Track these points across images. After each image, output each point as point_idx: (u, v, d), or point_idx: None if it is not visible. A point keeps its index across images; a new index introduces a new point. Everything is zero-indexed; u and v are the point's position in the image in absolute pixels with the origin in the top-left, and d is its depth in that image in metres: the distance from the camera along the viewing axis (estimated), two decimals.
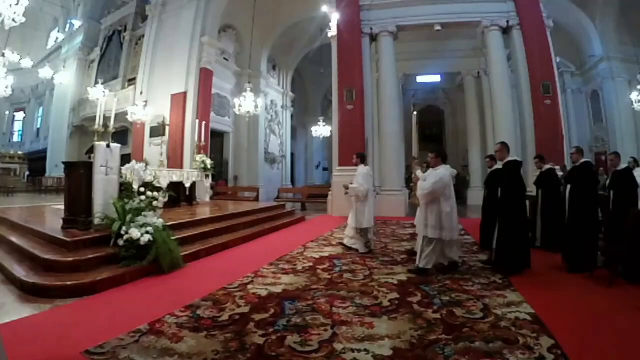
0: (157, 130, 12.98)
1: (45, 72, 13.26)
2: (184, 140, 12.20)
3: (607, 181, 5.27)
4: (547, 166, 5.94)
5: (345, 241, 5.80)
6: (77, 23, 17.95)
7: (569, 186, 4.70)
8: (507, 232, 4.29)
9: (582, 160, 4.66)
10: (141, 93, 13.36)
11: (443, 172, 4.28)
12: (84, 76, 17.15)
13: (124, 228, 4.16)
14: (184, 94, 12.48)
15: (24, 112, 22.35)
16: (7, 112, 21.80)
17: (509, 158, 4.57)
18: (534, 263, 4.48)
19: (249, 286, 3.75)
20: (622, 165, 5.26)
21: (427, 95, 19.15)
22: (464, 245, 6.00)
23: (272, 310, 3.05)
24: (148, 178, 5.36)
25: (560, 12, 12.21)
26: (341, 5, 10.73)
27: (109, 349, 2.35)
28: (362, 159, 5.17)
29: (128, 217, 4.32)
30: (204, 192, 10.03)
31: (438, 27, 10.89)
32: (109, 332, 2.58)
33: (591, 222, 4.37)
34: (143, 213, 4.46)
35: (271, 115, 17.40)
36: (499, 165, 4.89)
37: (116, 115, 5.98)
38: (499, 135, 10.41)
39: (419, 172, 4.80)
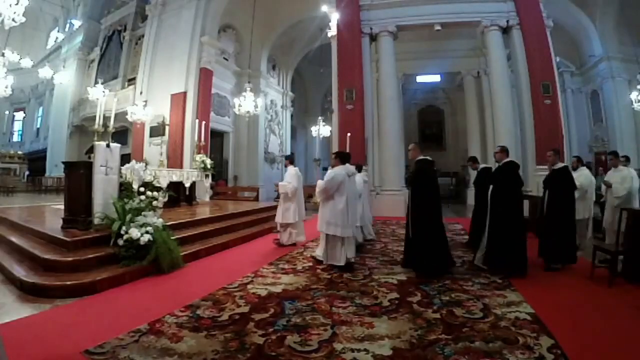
0: (157, 130, 12.98)
1: (45, 72, 13.25)
2: (184, 140, 12.20)
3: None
4: (482, 165, 5.98)
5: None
6: (77, 23, 17.94)
7: (491, 187, 4.61)
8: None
9: (506, 160, 4.55)
10: (141, 93, 13.35)
11: (337, 172, 4.57)
12: (84, 76, 17.14)
13: (124, 228, 4.16)
14: (184, 94, 12.48)
15: (24, 112, 22.33)
16: (7, 112, 21.78)
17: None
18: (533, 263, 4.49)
19: (249, 286, 3.75)
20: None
21: (427, 95, 19.16)
22: (463, 245, 6.02)
23: (272, 310, 3.06)
24: (148, 178, 5.36)
25: (560, 12, 12.21)
26: (341, 5, 10.73)
27: (109, 349, 2.35)
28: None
29: (128, 217, 4.32)
30: (204, 192, 10.03)
31: (438, 27, 10.90)
32: (109, 332, 2.58)
33: (514, 223, 4.26)
34: (143, 213, 4.46)
35: (271, 115, 17.40)
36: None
37: (116, 115, 5.98)
38: (499, 135, 10.41)
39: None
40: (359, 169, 6.53)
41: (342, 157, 4.81)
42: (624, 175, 4.76)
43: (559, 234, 4.39)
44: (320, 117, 12.07)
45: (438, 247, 4.25)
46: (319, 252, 4.90)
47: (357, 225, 5.64)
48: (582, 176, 5.55)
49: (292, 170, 6.04)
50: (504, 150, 4.64)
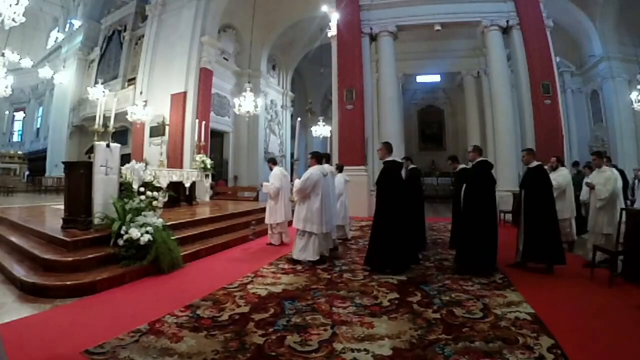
0: (157, 130, 12.98)
1: (45, 72, 13.25)
2: (184, 140, 12.20)
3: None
4: (461, 166, 6.01)
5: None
6: (77, 23, 17.93)
7: (464, 185, 4.65)
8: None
9: (479, 159, 4.56)
10: (141, 93, 13.35)
11: (312, 171, 4.75)
12: (84, 76, 17.14)
13: (124, 228, 4.16)
14: (184, 94, 12.48)
15: (24, 112, 22.32)
16: (7, 112, 21.77)
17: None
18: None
19: (249, 286, 3.75)
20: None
21: (427, 95, 19.14)
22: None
23: (272, 310, 3.06)
24: (148, 178, 5.36)
25: (560, 12, 12.20)
26: (341, 5, 10.73)
27: (109, 349, 2.35)
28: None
29: (128, 217, 4.32)
30: (204, 192, 10.03)
31: (438, 27, 10.89)
32: (109, 332, 2.58)
33: (486, 222, 4.28)
34: (143, 213, 4.46)
35: (271, 115, 17.41)
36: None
37: (116, 115, 5.98)
38: (499, 135, 10.41)
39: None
40: (340, 169, 6.72)
41: (317, 157, 4.99)
42: (607, 176, 4.63)
43: (541, 233, 4.31)
44: (320, 117, 12.09)
45: (398, 247, 4.31)
46: (294, 252, 4.93)
47: (339, 224, 5.91)
48: (561, 176, 5.61)
49: (276, 170, 6.10)
50: (476, 150, 4.68)
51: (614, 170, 5.33)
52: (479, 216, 4.29)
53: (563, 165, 5.89)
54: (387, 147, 4.67)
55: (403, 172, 5.98)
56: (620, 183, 5.44)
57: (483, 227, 4.26)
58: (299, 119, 6.51)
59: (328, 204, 4.88)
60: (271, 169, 6.20)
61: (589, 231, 4.85)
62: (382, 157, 4.69)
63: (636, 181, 7.18)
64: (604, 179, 4.64)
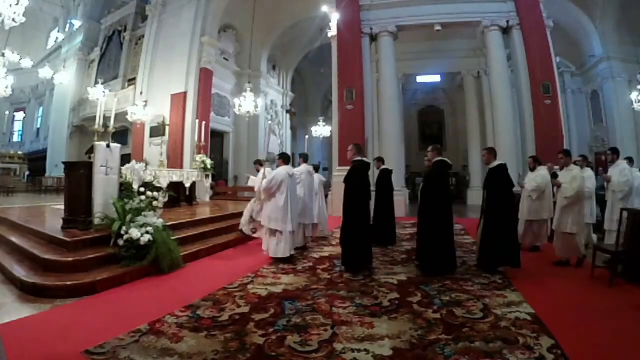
0: (157, 130, 12.98)
1: (45, 72, 13.25)
2: (184, 140, 12.20)
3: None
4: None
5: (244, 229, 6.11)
6: (77, 23, 17.93)
7: (421, 185, 4.71)
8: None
9: (436, 158, 4.56)
10: (141, 93, 13.35)
11: (278, 171, 4.96)
12: (84, 76, 17.14)
13: (124, 228, 4.16)
14: (184, 94, 12.48)
15: (24, 112, 22.32)
16: (7, 112, 21.75)
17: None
18: (529, 263, 4.49)
19: (249, 286, 3.75)
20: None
21: (427, 95, 19.15)
22: (463, 245, 6.02)
23: (272, 310, 3.06)
24: (148, 178, 5.36)
25: (560, 12, 12.20)
26: (341, 5, 10.72)
27: (109, 349, 2.35)
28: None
29: (128, 217, 4.32)
30: (204, 192, 10.03)
31: (438, 27, 10.88)
32: (109, 332, 2.58)
33: (441, 220, 4.28)
34: (143, 213, 4.46)
35: (271, 115, 17.40)
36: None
37: (116, 115, 5.98)
38: (499, 135, 10.41)
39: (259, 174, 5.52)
40: (316, 169, 6.94)
41: (284, 158, 5.23)
42: (574, 174, 4.58)
43: (499, 236, 4.26)
44: (320, 117, 12.10)
45: (362, 244, 4.43)
46: (264, 247, 5.09)
47: (314, 222, 6.11)
48: (539, 176, 5.54)
49: (280, 170, 6.18)
50: (435, 150, 4.68)
51: (587, 169, 5.34)
52: (434, 215, 4.31)
53: (541, 165, 5.84)
54: (357, 148, 4.80)
55: (376, 173, 6.43)
56: (591, 183, 5.49)
57: (438, 226, 4.27)
58: (268, 122, 6.73)
59: (294, 203, 5.03)
60: (258, 171, 6.21)
61: (554, 230, 4.81)
62: (350, 157, 4.77)
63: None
64: (571, 177, 4.58)
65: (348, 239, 4.49)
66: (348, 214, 4.52)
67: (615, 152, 4.99)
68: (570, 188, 4.50)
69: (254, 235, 6.02)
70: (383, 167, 6.50)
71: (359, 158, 4.67)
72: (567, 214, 4.57)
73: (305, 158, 6.26)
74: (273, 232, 4.87)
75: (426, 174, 4.64)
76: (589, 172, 5.49)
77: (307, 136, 14.35)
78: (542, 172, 5.65)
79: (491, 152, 4.65)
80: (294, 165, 5.83)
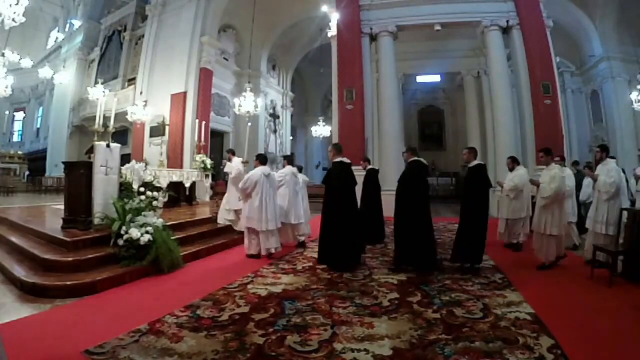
0: (157, 130, 12.98)
1: (45, 72, 13.25)
2: (184, 140, 12.20)
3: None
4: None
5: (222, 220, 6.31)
6: (77, 23, 17.93)
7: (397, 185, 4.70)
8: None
9: (412, 159, 4.60)
10: (141, 93, 13.35)
11: (253, 172, 5.09)
12: (84, 76, 17.14)
13: (124, 228, 4.16)
14: (184, 94, 12.48)
15: (24, 112, 22.32)
16: (7, 112, 21.74)
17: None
18: (528, 264, 4.49)
19: (249, 286, 3.75)
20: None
21: (427, 95, 19.15)
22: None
23: (272, 310, 3.06)
24: (148, 178, 5.36)
25: (560, 12, 12.20)
26: (341, 5, 10.72)
27: (109, 349, 2.35)
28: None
29: (128, 217, 4.32)
30: (204, 192, 10.02)
31: (438, 27, 10.88)
32: (109, 332, 2.58)
33: (418, 220, 4.32)
34: (143, 213, 4.46)
35: (271, 115, 17.40)
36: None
37: (116, 115, 5.98)
38: (499, 135, 10.40)
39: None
40: (300, 169, 7.09)
41: (261, 159, 5.35)
42: (553, 174, 4.52)
43: (471, 234, 4.30)
44: (320, 117, 12.11)
45: (343, 244, 4.47)
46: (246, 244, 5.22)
47: (300, 221, 6.13)
48: (517, 176, 5.67)
49: (237, 160, 6.48)
50: (410, 150, 4.75)
51: (566, 169, 5.32)
52: (410, 214, 4.34)
53: (519, 165, 5.96)
54: (337, 149, 4.93)
55: (363, 173, 6.50)
56: (571, 182, 5.51)
57: (415, 225, 4.31)
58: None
59: (270, 203, 5.11)
60: (230, 160, 6.43)
61: (533, 231, 4.77)
62: (331, 158, 4.89)
63: (634, 181, 7.16)
64: (549, 177, 4.54)
65: (326, 239, 4.57)
66: (327, 214, 4.63)
67: (604, 149, 4.82)
68: (548, 188, 4.46)
69: (236, 228, 6.18)
70: (370, 167, 6.65)
71: (339, 159, 4.77)
72: (546, 215, 4.52)
73: (289, 160, 6.42)
74: (250, 230, 5.05)
75: (401, 175, 4.70)
76: (568, 172, 5.53)
77: (317, 127, 14.00)
78: (521, 172, 5.78)
79: (471, 152, 4.68)
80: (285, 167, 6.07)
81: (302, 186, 6.74)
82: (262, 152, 16.13)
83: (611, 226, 4.40)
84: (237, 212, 6.09)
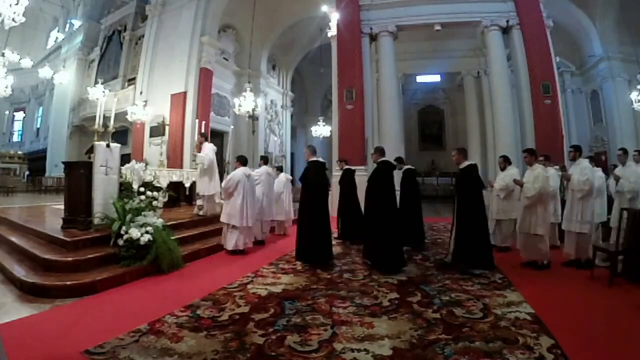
0: (157, 130, 12.96)
1: (45, 72, 13.23)
2: (184, 140, 12.18)
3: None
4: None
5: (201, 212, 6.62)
6: (77, 23, 17.92)
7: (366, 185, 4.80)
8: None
9: (380, 159, 4.66)
10: (141, 93, 13.34)
11: (235, 173, 5.40)
12: (84, 76, 17.12)
13: (124, 228, 4.16)
14: (184, 94, 12.47)
15: (24, 112, 22.29)
16: (7, 112, 21.72)
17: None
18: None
19: (249, 286, 3.75)
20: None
21: (427, 95, 19.14)
22: None
23: (272, 310, 3.06)
24: (148, 178, 5.36)
25: (560, 12, 12.20)
26: (341, 5, 10.73)
27: (109, 349, 2.35)
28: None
29: (128, 217, 4.32)
30: None
31: (438, 27, 10.89)
32: (109, 332, 2.58)
33: (385, 219, 4.38)
34: (143, 213, 4.46)
35: (271, 115, 17.39)
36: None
37: (116, 115, 5.97)
38: (499, 135, 10.40)
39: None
40: (280, 169, 7.71)
41: (242, 161, 5.63)
42: (536, 174, 4.52)
43: (470, 235, 4.27)
44: (320, 117, 12.10)
45: (317, 241, 4.73)
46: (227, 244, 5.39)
47: (280, 219, 6.56)
48: (508, 176, 5.57)
49: (208, 145, 6.72)
50: (377, 151, 4.86)
51: (550, 169, 5.31)
52: (378, 214, 4.43)
53: (510, 164, 5.92)
54: (311, 150, 5.24)
55: (338, 173, 6.85)
56: (555, 182, 5.52)
57: (385, 225, 4.37)
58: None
59: (251, 201, 5.41)
60: (199, 150, 6.67)
61: (518, 232, 4.76)
62: (307, 158, 5.19)
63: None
64: (533, 177, 4.53)
65: (301, 236, 4.80)
66: (302, 212, 4.86)
67: (577, 149, 4.84)
68: (532, 188, 4.46)
69: (200, 213, 6.50)
70: (346, 167, 6.87)
71: (314, 159, 5.06)
72: (530, 215, 4.51)
73: (265, 160, 6.75)
74: (231, 227, 5.28)
75: (370, 175, 4.80)
76: (552, 172, 5.51)
77: (317, 127, 14.06)
78: (512, 171, 5.73)
79: (461, 153, 4.67)
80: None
81: (286, 184, 7.15)
82: (262, 152, 16.25)
83: (586, 224, 4.42)
84: (205, 198, 6.46)
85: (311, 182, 4.89)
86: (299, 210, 4.98)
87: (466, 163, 4.55)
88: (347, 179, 6.71)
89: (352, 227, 6.33)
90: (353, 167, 7.15)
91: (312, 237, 4.72)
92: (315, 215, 4.77)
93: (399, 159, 6.46)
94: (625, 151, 4.91)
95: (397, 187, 10.24)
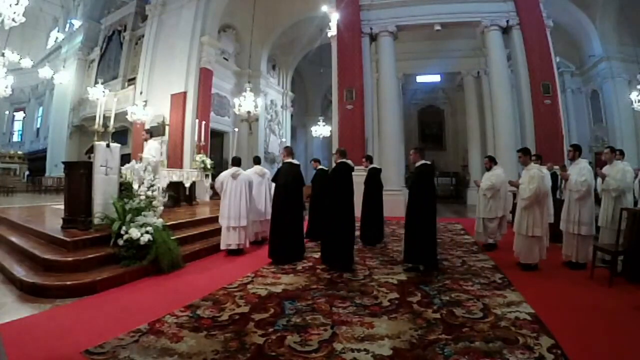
0: (157, 130, 12.95)
1: (45, 72, 13.24)
2: (184, 140, 12.19)
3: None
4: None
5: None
6: (77, 23, 17.92)
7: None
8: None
9: (340, 160, 4.78)
10: (141, 93, 13.34)
11: (223, 174, 5.44)
12: (84, 76, 17.11)
13: (124, 228, 4.16)
14: (184, 94, 12.47)
15: (24, 112, 22.29)
16: (7, 112, 21.73)
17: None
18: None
19: (249, 286, 3.76)
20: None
21: (427, 95, 19.13)
22: (463, 245, 6.03)
23: (272, 310, 3.06)
24: (148, 178, 5.35)
25: (560, 12, 12.20)
26: (341, 5, 10.72)
27: (109, 349, 2.35)
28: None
29: (128, 217, 4.32)
30: (204, 192, 10.03)
31: (438, 27, 10.89)
32: (109, 332, 2.59)
33: (341, 220, 4.50)
34: (143, 213, 4.46)
35: (271, 115, 17.39)
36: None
37: (116, 115, 5.97)
38: (499, 135, 10.41)
39: None
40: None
41: (234, 161, 5.69)
42: (532, 175, 4.49)
43: (419, 234, 4.32)
44: (320, 117, 12.10)
45: (289, 240, 4.86)
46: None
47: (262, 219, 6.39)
48: (494, 176, 5.72)
49: (154, 143, 6.81)
50: (338, 152, 5.04)
51: (543, 169, 5.30)
52: (333, 214, 4.55)
53: (496, 164, 6.03)
54: (287, 151, 5.42)
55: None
56: (549, 182, 5.59)
57: (340, 226, 4.48)
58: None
59: (235, 201, 5.37)
60: (146, 140, 6.70)
61: (515, 232, 4.74)
62: (283, 158, 5.39)
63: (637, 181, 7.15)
64: (529, 177, 4.51)
65: (273, 235, 4.92)
66: (275, 212, 4.98)
67: (577, 149, 4.80)
68: (528, 189, 4.44)
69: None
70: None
71: (289, 160, 5.24)
72: (527, 216, 4.48)
73: (256, 160, 6.73)
74: (225, 227, 5.34)
75: (328, 175, 4.92)
76: (546, 172, 5.52)
77: (317, 127, 14.18)
78: (498, 171, 5.83)
79: (417, 152, 4.69)
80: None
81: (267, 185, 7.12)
82: (262, 152, 16.25)
83: (584, 226, 4.40)
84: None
85: (281, 182, 5.05)
86: (273, 211, 5.08)
87: (420, 162, 4.56)
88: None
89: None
90: (355, 166, 7.15)
91: (281, 235, 4.84)
92: (282, 214, 4.89)
93: (368, 157, 6.75)
94: (612, 149, 4.94)
95: (402, 185, 10.28)
